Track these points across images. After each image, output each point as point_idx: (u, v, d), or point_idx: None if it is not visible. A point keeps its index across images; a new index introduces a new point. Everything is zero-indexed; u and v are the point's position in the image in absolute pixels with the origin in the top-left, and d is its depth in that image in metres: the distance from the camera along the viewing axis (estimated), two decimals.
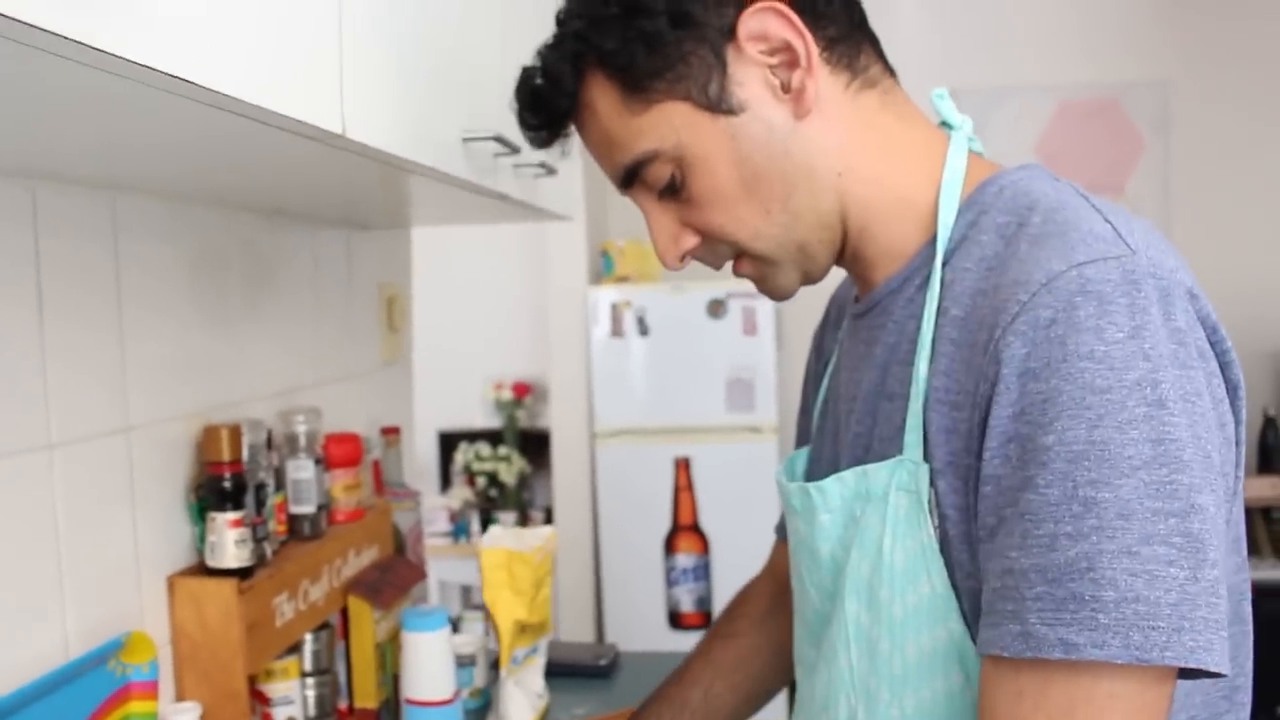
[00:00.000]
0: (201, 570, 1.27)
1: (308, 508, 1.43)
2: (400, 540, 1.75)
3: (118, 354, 1.19)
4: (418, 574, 1.66)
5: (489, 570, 1.52)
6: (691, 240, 0.92)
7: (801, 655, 1.02)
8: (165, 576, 1.25)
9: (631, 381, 3.84)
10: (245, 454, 1.29)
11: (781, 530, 1.23)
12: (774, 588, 1.24)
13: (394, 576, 1.58)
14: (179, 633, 1.25)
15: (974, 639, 0.79)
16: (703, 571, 3.76)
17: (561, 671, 1.75)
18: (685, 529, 3.77)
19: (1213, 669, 0.69)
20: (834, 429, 0.98)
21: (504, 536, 1.56)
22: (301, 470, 1.43)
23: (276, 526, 1.38)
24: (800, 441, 1.12)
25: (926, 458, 0.81)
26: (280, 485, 1.41)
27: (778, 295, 0.95)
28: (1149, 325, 0.71)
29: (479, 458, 4.25)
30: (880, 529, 0.84)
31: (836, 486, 0.89)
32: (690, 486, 3.79)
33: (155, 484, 1.25)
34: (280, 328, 1.57)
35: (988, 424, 0.75)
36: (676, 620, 3.76)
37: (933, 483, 0.80)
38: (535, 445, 4.33)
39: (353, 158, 1.01)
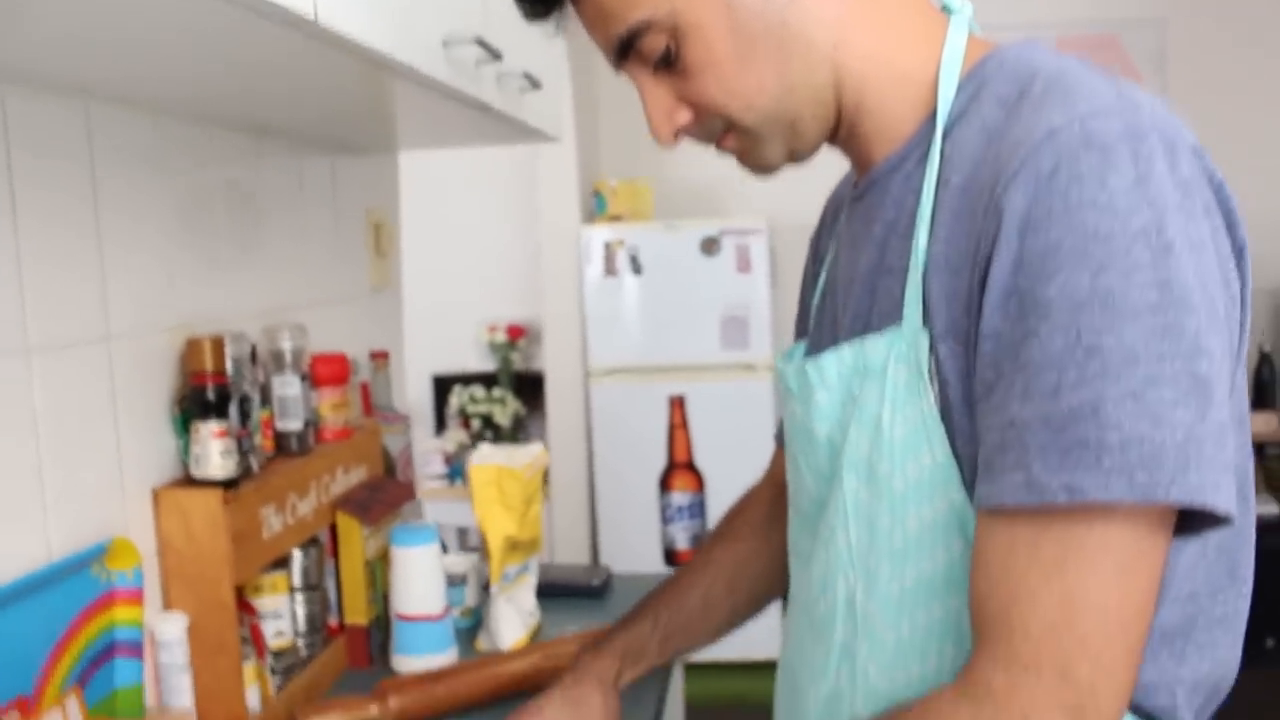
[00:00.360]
0: (187, 482, 1.26)
1: (294, 424, 1.42)
2: (390, 463, 1.74)
3: (96, 263, 1.17)
4: (407, 493, 1.65)
5: (478, 487, 1.51)
6: (685, 115, 0.90)
7: (797, 547, 1.01)
8: (150, 488, 1.24)
9: (625, 321, 3.83)
10: (229, 366, 1.28)
11: (781, 437, 1.23)
12: (774, 494, 1.24)
13: (383, 495, 1.57)
14: (165, 544, 1.24)
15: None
16: (698, 509, 3.77)
17: (554, 592, 1.75)
18: (680, 467, 3.78)
19: (1221, 509, 0.69)
20: (832, 316, 0.96)
21: (494, 454, 1.55)
22: (287, 386, 1.42)
23: (263, 442, 1.37)
24: (799, 336, 1.12)
25: (926, 326, 0.80)
26: (266, 401, 1.40)
27: (761, 170, 0.93)
28: (1154, 174, 0.70)
29: (473, 400, 4.24)
30: (879, 403, 0.83)
31: (834, 363, 0.88)
32: (685, 424, 3.79)
33: (138, 395, 1.24)
34: (266, 250, 1.55)
35: (987, 281, 0.74)
36: (672, 558, 3.78)
37: (933, 350, 0.79)
38: (530, 387, 4.32)
39: (329, 53, 0.99)
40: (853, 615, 0.88)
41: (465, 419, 4.26)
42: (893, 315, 0.84)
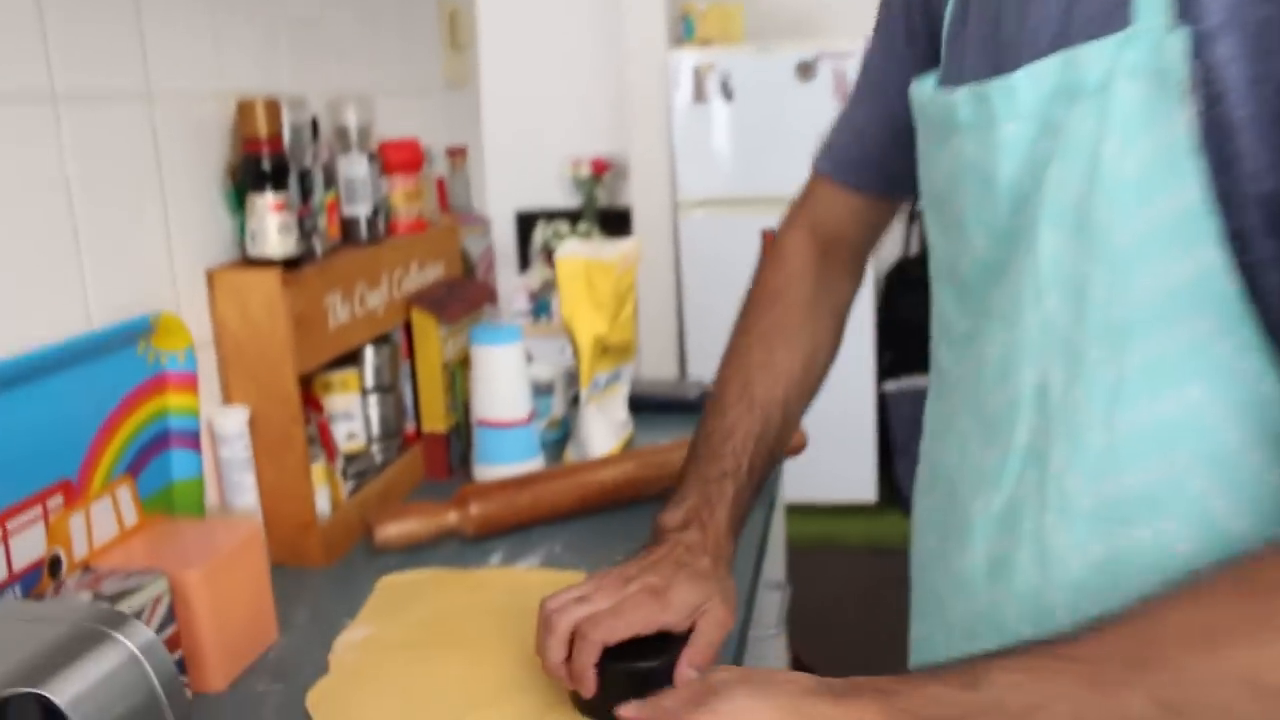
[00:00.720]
0: (244, 264, 1.14)
1: (362, 209, 1.29)
2: (470, 266, 1.62)
3: (131, 12, 1.03)
4: (488, 294, 1.52)
5: (565, 281, 1.37)
6: None
7: (950, 327, 0.82)
8: (204, 268, 1.12)
9: (715, 150, 3.65)
10: (286, 134, 1.14)
11: (825, 164, 1.02)
12: (817, 250, 1.02)
13: (463, 294, 1.44)
14: (222, 330, 1.12)
15: (1242, 265, 0.61)
16: None
17: (647, 405, 1.62)
18: None
19: None
20: (987, 32, 0.75)
21: (582, 247, 1.41)
22: (354, 167, 1.28)
23: (328, 227, 1.25)
24: (893, 74, 0.91)
25: (1182, 23, 0.60)
26: (331, 184, 1.27)
27: None
28: None
29: (558, 235, 4.11)
30: (1097, 132, 0.64)
31: (1029, 83, 0.68)
32: None
33: (186, 164, 1.11)
34: (325, 30, 1.39)
35: None
36: None
37: (1197, 55, 0.60)
38: (616, 223, 4.17)
39: None
40: (1044, 410, 0.70)
41: (549, 255, 4.13)
42: (1110, 18, 0.64)
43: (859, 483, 3.74)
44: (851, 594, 3.16)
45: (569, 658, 0.82)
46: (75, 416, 0.93)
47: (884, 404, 3.73)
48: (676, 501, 0.94)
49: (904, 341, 3.71)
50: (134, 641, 0.55)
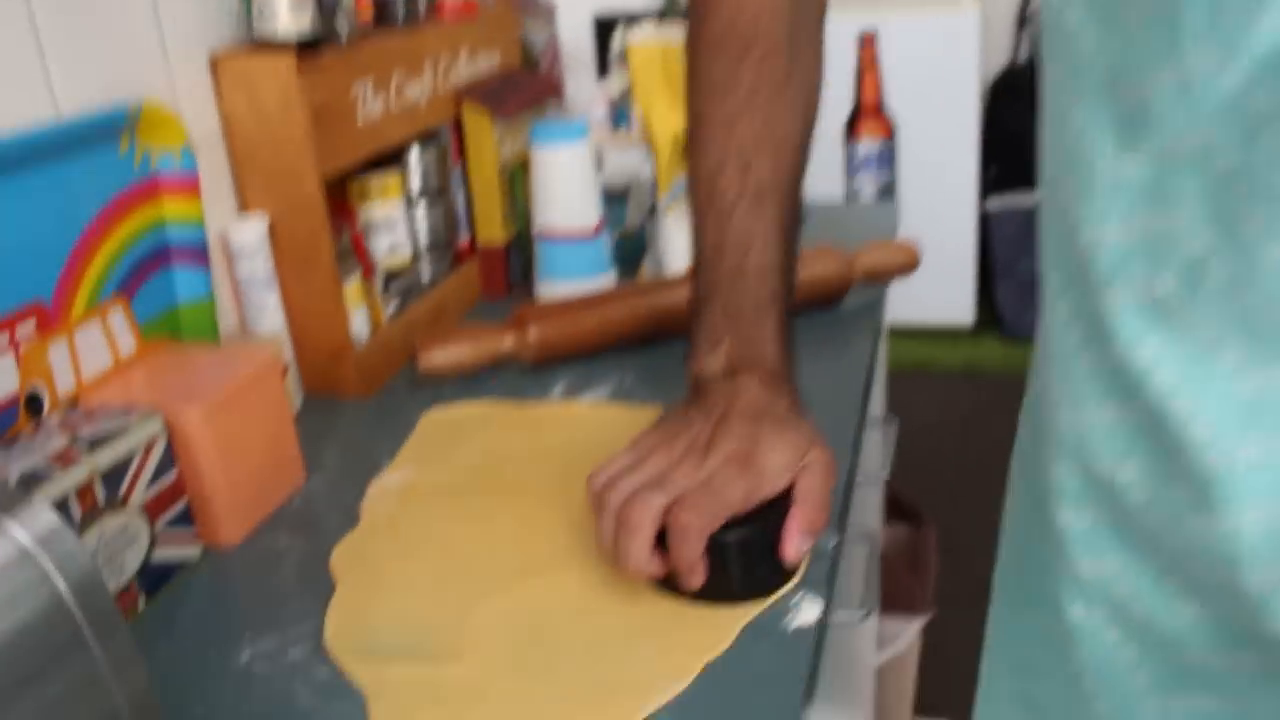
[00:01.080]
0: (253, 47, 0.96)
1: None
2: (532, 58, 1.42)
3: None
4: (551, 87, 1.33)
5: (638, 70, 1.18)
6: None
7: (1093, 166, 0.53)
8: (207, 53, 0.95)
9: None
10: None
11: None
12: None
13: (521, 86, 1.25)
14: (232, 127, 0.95)
15: None
16: (887, 158, 3.37)
17: None
18: (868, 111, 3.35)
19: None
20: None
21: (658, 32, 1.20)
22: None
23: (355, 5, 1.06)
24: None
25: None
26: None
27: None
28: None
29: None
30: None
31: None
32: (875, 64, 3.34)
33: None
34: None
35: None
36: None
37: None
38: None
39: None
40: None
41: None
42: None
43: (956, 305, 3.52)
44: (948, 422, 2.99)
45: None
46: (42, 227, 0.77)
47: (985, 223, 3.49)
48: (709, 344, 0.76)
49: (1010, 155, 3.44)
50: (28, 531, 0.40)
